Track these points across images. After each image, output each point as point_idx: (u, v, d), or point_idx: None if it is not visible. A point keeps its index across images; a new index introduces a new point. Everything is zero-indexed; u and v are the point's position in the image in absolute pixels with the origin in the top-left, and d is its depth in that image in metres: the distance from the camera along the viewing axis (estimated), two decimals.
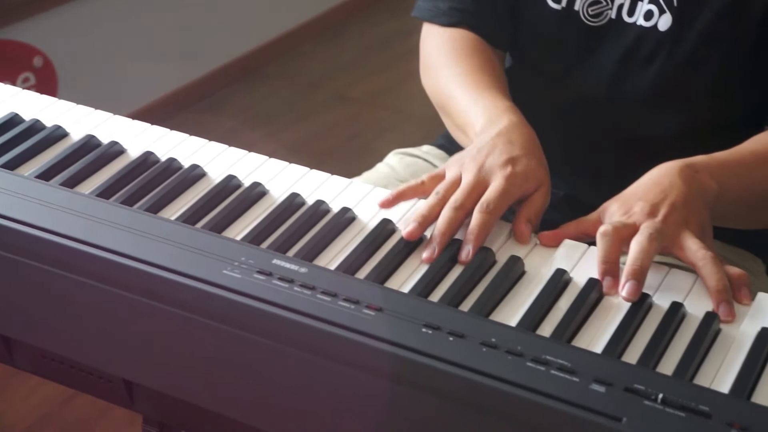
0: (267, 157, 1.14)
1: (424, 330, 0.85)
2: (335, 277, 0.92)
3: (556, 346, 0.84)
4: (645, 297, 0.92)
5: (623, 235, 0.97)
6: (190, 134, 1.17)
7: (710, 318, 0.90)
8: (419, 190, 1.06)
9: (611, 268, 0.95)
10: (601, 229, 0.97)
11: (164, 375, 0.94)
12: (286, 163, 1.13)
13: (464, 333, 0.85)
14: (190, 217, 1.03)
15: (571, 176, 1.28)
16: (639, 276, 0.93)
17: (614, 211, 1.02)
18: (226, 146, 1.16)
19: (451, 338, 0.84)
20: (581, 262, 0.98)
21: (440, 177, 1.07)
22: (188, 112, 2.96)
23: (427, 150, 1.43)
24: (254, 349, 0.88)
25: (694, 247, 0.96)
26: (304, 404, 0.88)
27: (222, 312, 0.88)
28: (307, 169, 1.12)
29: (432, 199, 1.03)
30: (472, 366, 0.81)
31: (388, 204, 1.05)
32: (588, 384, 0.80)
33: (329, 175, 1.11)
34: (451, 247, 0.99)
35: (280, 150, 2.77)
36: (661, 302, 0.93)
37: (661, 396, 0.78)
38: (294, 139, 2.88)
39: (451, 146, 1.42)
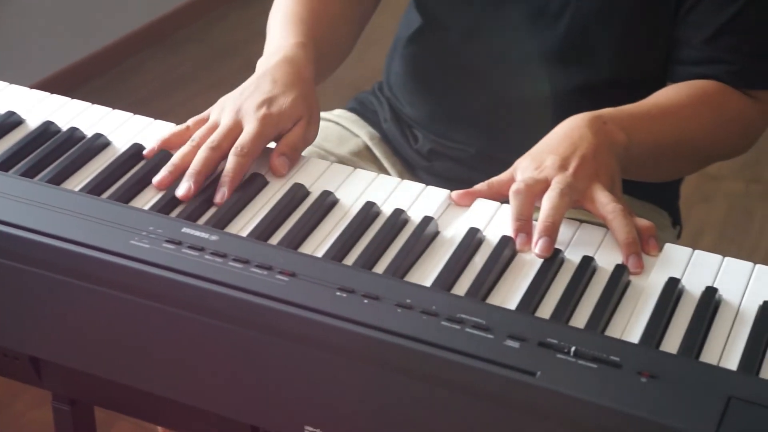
0: (175, 125, 1.13)
1: (338, 293, 0.86)
2: (247, 244, 0.92)
3: (470, 304, 0.86)
4: (557, 252, 0.94)
5: (535, 191, 0.99)
6: (98, 104, 1.16)
7: (620, 270, 0.92)
8: (184, 135, 1.08)
9: (524, 225, 0.96)
10: (514, 186, 0.99)
11: (72, 350, 0.93)
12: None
13: (379, 295, 0.86)
14: (95, 188, 1.02)
15: (482, 133, 1.29)
16: (551, 232, 0.95)
17: (526, 166, 1.03)
18: (131, 114, 1.14)
19: (365, 301, 0.85)
20: (494, 220, 1.00)
21: (204, 120, 1.09)
22: (97, 80, 2.91)
23: (339, 113, 1.43)
24: (166, 320, 0.87)
25: (604, 200, 0.98)
26: (218, 372, 0.88)
27: (131, 283, 0.87)
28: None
29: (186, 146, 1.05)
30: (387, 327, 0.82)
31: (151, 153, 1.06)
32: (502, 340, 0.81)
33: None
34: (366, 213, 0.99)
35: None
36: (573, 257, 0.95)
37: (573, 349, 0.80)
38: (208, 106, 2.84)
39: (362, 109, 1.42)
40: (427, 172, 1.34)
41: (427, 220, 0.98)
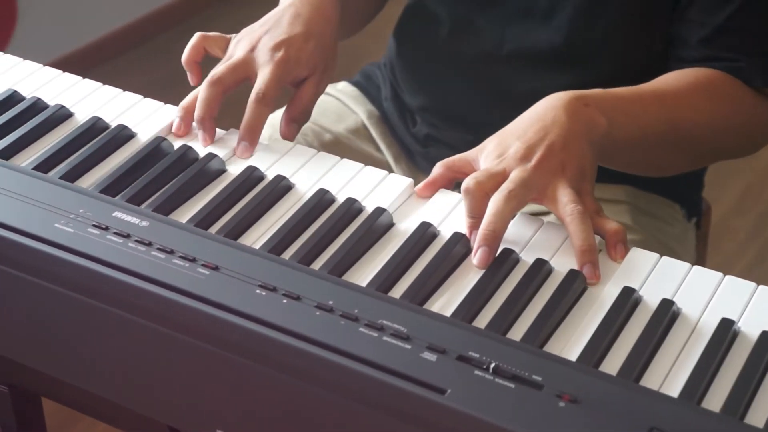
0: (141, 97, 1.12)
1: (258, 291, 0.84)
2: (178, 233, 0.90)
3: (397, 309, 0.83)
4: (509, 253, 0.90)
5: (487, 187, 0.93)
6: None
7: (573, 276, 0.88)
8: None
9: (477, 222, 0.92)
10: (464, 184, 0.94)
11: None
12: (160, 103, 1.11)
13: (300, 295, 0.83)
14: (42, 165, 1.01)
15: (476, 127, 1.25)
16: (491, 242, 0.90)
17: (489, 152, 0.98)
18: (100, 84, 1.14)
19: (284, 301, 0.83)
20: (454, 213, 0.96)
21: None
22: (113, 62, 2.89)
23: (341, 88, 1.40)
24: (83, 310, 0.87)
25: (564, 200, 0.92)
26: (131, 368, 0.87)
27: (45, 268, 0.87)
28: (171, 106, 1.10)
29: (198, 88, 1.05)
30: (296, 331, 0.80)
31: (178, 131, 1.05)
32: (419, 352, 0.78)
33: None
34: (319, 201, 0.96)
35: None
36: (528, 258, 0.90)
37: (493, 365, 0.77)
38: None
39: (367, 83, 1.39)
40: (422, 157, 1.31)
41: (379, 211, 0.95)
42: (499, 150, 0.97)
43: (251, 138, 1.02)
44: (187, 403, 0.86)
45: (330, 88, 1.40)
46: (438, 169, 0.99)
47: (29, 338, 0.92)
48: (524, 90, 1.18)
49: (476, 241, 0.90)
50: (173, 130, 1.04)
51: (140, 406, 0.88)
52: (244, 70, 1.04)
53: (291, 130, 1.06)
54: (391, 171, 1.34)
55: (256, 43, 1.05)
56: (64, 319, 0.89)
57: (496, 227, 0.90)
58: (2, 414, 1.05)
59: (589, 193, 0.95)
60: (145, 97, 1.11)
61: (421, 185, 0.99)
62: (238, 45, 1.07)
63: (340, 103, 1.38)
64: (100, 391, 0.90)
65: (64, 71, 1.16)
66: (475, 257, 0.89)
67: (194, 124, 1.05)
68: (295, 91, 1.08)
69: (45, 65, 1.16)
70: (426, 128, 1.29)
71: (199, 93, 1.03)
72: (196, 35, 1.10)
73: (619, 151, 1.02)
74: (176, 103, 1.07)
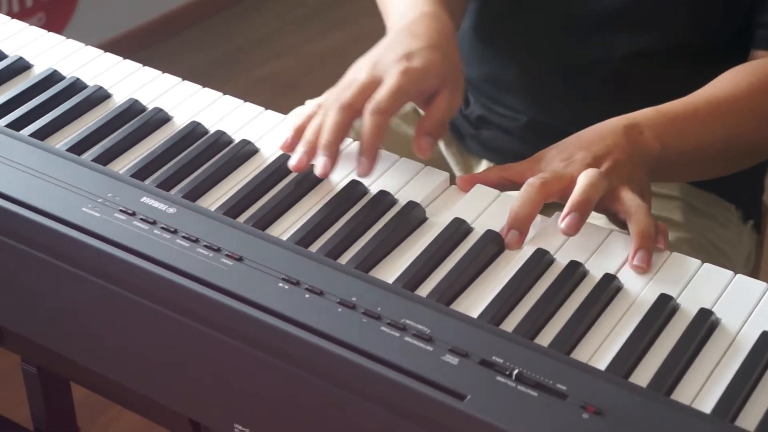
0: (179, 80, 1.11)
1: (281, 285, 0.83)
2: (204, 220, 0.90)
3: (421, 308, 0.81)
4: (543, 254, 0.88)
5: (553, 188, 0.92)
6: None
7: (607, 280, 0.85)
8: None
9: (522, 222, 0.90)
10: (529, 180, 0.93)
11: (23, 317, 0.94)
12: (198, 86, 1.10)
13: (323, 290, 0.82)
14: (76, 147, 1.01)
15: (534, 100, 1.23)
16: (583, 208, 0.89)
17: (553, 156, 0.97)
18: (140, 65, 1.13)
19: (307, 295, 0.82)
20: (490, 210, 0.94)
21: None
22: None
23: None
24: (108, 297, 0.87)
25: (630, 196, 0.92)
26: (153, 357, 0.87)
27: (69, 253, 0.87)
28: (219, 94, 1.09)
29: (317, 118, 0.97)
30: (315, 327, 0.78)
31: (290, 145, 0.98)
32: (441, 354, 0.77)
33: (240, 102, 1.08)
34: (350, 193, 0.95)
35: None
36: (563, 260, 0.88)
37: (516, 372, 0.75)
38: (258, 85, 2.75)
39: None
40: (474, 140, 1.29)
41: (411, 205, 0.94)
42: (565, 155, 0.96)
43: (370, 154, 0.94)
44: (204, 395, 0.85)
45: None
46: (489, 171, 0.97)
47: (54, 322, 0.92)
48: (588, 58, 1.17)
49: (568, 207, 0.89)
50: (291, 163, 0.95)
51: (159, 395, 0.88)
52: (372, 90, 0.96)
53: (425, 144, 0.96)
54: (441, 155, 1.33)
55: (378, 61, 0.98)
56: (87, 304, 0.88)
57: (591, 196, 0.89)
58: (32, 395, 1.06)
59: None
60: (203, 77, 1.09)
61: (465, 177, 0.97)
62: (359, 71, 0.99)
63: None
64: (120, 378, 0.89)
65: (123, 50, 1.15)
66: (563, 222, 0.89)
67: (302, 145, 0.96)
68: (428, 105, 0.99)
69: (104, 44, 1.15)
70: (479, 109, 1.28)
71: (327, 120, 0.95)
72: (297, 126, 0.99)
73: (675, 171, 1.02)
74: (232, 84, 1.03)
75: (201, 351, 0.83)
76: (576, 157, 0.95)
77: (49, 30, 1.20)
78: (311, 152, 0.95)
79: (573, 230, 0.88)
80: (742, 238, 1.23)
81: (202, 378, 0.84)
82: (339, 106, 0.95)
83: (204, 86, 1.10)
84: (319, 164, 0.94)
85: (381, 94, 0.95)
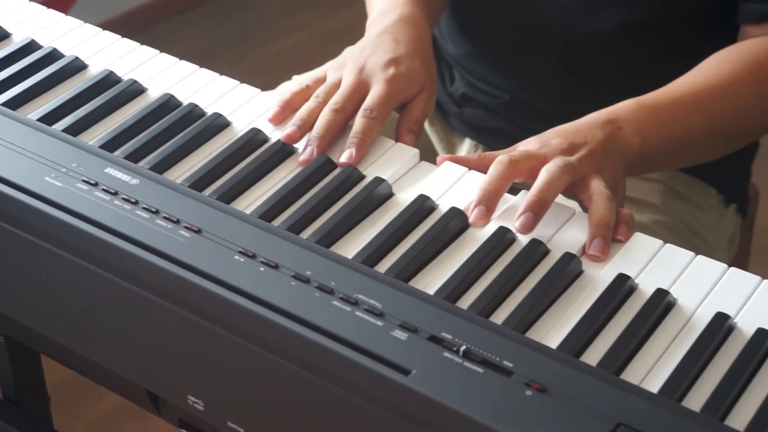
0: (157, 52, 1.12)
1: (236, 257, 0.83)
2: (167, 192, 0.90)
3: (376, 284, 0.81)
4: (504, 232, 0.88)
5: (522, 167, 0.93)
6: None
7: (568, 258, 0.85)
8: (305, 94, 1.04)
9: (489, 197, 0.91)
10: (499, 157, 0.93)
11: None
12: (175, 59, 1.11)
13: (279, 263, 0.83)
14: (47, 117, 1.02)
15: (518, 76, 1.23)
16: (539, 208, 0.89)
17: (528, 142, 0.98)
18: (118, 37, 1.14)
19: (262, 269, 0.82)
20: (456, 187, 0.94)
21: (323, 80, 1.06)
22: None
23: None
24: (67, 266, 0.87)
25: (596, 184, 0.92)
26: (108, 328, 0.87)
27: (28, 221, 0.87)
28: (195, 67, 1.10)
29: (311, 102, 1.02)
30: (265, 299, 0.79)
31: (277, 118, 1.02)
32: (391, 330, 0.77)
33: (216, 75, 1.08)
34: (318, 168, 0.95)
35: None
36: (525, 238, 0.88)
37: (463, 348, 0.75)
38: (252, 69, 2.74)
39: None
40: (457, 118, 1.30)
41: (377, 180, 0.94)
42: (541, 141, 0.96)
43: (360, 148, 0.97)
44: (158, 367, 0.86)
45: None
46: (473, 156, 0.98)
47: (16, 291, 0.93)
48: (574, 34, 1.17)
49: (522, 207, 0.89)
50: (284, 135, 0.99)
51: (117, 366, 0.89)
52: (360, 94, 1.02)
53: (409, 140, 1.02)
54: (425, 132, 1.33)
55: (363, 65, 1.03)
56: (47, 274, 0.89)
57: (548, 196, 0.89)
58: (0, 365, 1.07)
59: (620, 202, 0.95)
60: (214, 54, 1.10)
61: (446, 156, 0.98)
62: (345, 71, 1.04)
63: None
64: (79, 349, 0.90)
65: (133, 26, 1.16)
66: (518, 221, 0.88)
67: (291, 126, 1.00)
68: (406, 106, 1.05)
69: (114, 19, 1.16)
70: (464, 86, 1.28)
71: (321, 116, 0.99)
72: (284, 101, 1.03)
73: (657, 161, 1.02)
74: (243, 61, 1.02)
75: (154, 322, 0.83)
76: (552, 142, 0.96)
77: (56, 6, 1.21)
78: (304, 129, 0.99)
79: (527, 230, 0.88)
80: (722, 222, 1.22)
81: (156, 349, 0.85)
82: (332, 107, 1.00)
83: (214, 63, 1.11)
84: (306, 153, 0.98)
85: (373, 100, 1.01)
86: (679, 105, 1.02)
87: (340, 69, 1.05)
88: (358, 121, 0.99)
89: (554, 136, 0.97)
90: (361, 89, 1.02)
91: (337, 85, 1.03)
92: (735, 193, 1.25)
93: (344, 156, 0.97)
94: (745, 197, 1.28)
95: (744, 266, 1.07)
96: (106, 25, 1.17)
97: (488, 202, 0.91)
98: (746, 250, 1.33)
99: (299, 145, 0.99)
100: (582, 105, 1.04)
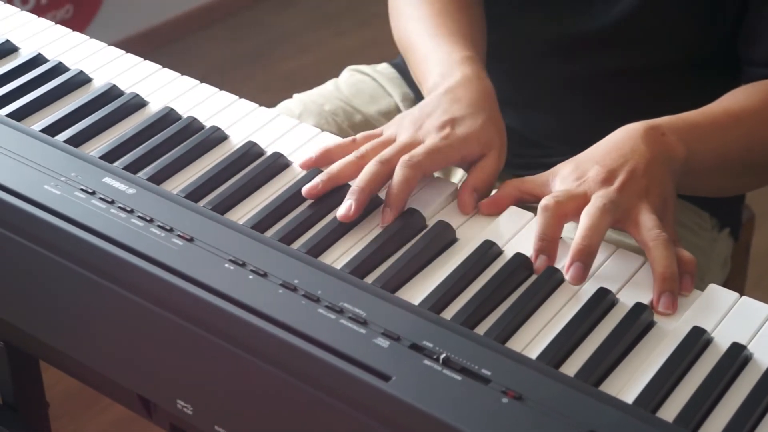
0: (159, 67, 1.15)
1: (227, 266, 0.86)
2: (162, 202, 0.93)
3: (362, 294, 0.84)
4: (490, 245, 0.91)
5: (567, 209, 0.92)
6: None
7: (551, 270, 0.87)
8: (349, 148, 1.01)
9: (548, 246, 0.90)
10: (543, 201, 0.92)
11: None
12: (177, 74, 1.14)
13: (268, 272, 0.85)
14: (50, 128, 1.05)
15: (512, 113, 1.24)
16: (586, 257, 0.88)
17: (566, 175, 0.96)
18: (123, 52, 1.17)
19: (251, 276, 0.85)
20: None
21: (375, 136, 1.03)
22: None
23: (381, 69, 1.41)
24: (57, 270, 0.90)
25: (648, 224, 0.90)
26: (102, 334, 0.90)
27: (26, 228, 0.90)
28: (196, 82, 1.13)
29: (350, 157, 0.98)
30: (252, 306, 0.81)
31: (308, 165, 1.00)
32: (373, 337, 0.80)
33: (215, 90, 1.11)
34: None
35: None
36: (510, 252, 0.90)
37: (443, 356, 0.77)
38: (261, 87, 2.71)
39: (405, 65, 1.40)
40: None
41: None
42: (578, 173, 0.95)
43: (396, 205, 0.94)
44: (149, 371, 0.88)
45: (369, 69, 1.41)
46: (506, 188, 0.97)
47: (14, 297, 0.96)
48: (576, 74, 1.18)
49: (570, 256, 0.88)
50: (305, 189, 0.95)
51: (109, 371, 0.91)
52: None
53: (470, 199, 0.96)
54: None
55: (421, 124, 1.00)
56: (44, 280, 0.92)
57: (592, 241, 0.88)
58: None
59: (670, 222, 0.93)
60: (228, 71, 1.12)
61: (486, 201, 0.96)
62: (401, 128, 1.01)
63: (376, 84, 1.39)
64: (73, 353, 0.93)
65: (151, 44, 1.18)
66: (568, 274, 0.87)
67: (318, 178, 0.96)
68: (473, 166, 1.00)
69: (133, 37, 1.18)
70: None
71: (367, 168, 0.95)
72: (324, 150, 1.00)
73: (695, 177, 1.00)
74: (256, 78, 1.03)
75: (144, 326, 0.86)
76: (589, 175, 0.94)
77: (76, 23, 1.24)
78: (328, 185, 0.96)
79: (578, 281, 0.87)
80: (715, 246, 1.24)
81: (147, 354, 0.88)
82: (378, 160, 0.96)
83: (226, 81, 1.13)
84: (344, 207, 0.94)
85: (418, 150, 0.97)
86: (715, 124, 1.01)
87: (396, 127, 1.02)
88: (396, 172, 0.94)
89: (591, 164, 0.95)
90: (413, 147, 0.97)
91: (384, 143, 1.00)
92: (728, 217, 1.27)
93: (383, 216, 0.93)
94: (739, 221, 1.30)
95: (739, 289, 1.07)
96: (122, 44, 1.20)
97: (549, 251, 0.90)
98: (739, 273, 1.35)
99: (293, 158, 1.02)
100: (579, 138, 1.05)
